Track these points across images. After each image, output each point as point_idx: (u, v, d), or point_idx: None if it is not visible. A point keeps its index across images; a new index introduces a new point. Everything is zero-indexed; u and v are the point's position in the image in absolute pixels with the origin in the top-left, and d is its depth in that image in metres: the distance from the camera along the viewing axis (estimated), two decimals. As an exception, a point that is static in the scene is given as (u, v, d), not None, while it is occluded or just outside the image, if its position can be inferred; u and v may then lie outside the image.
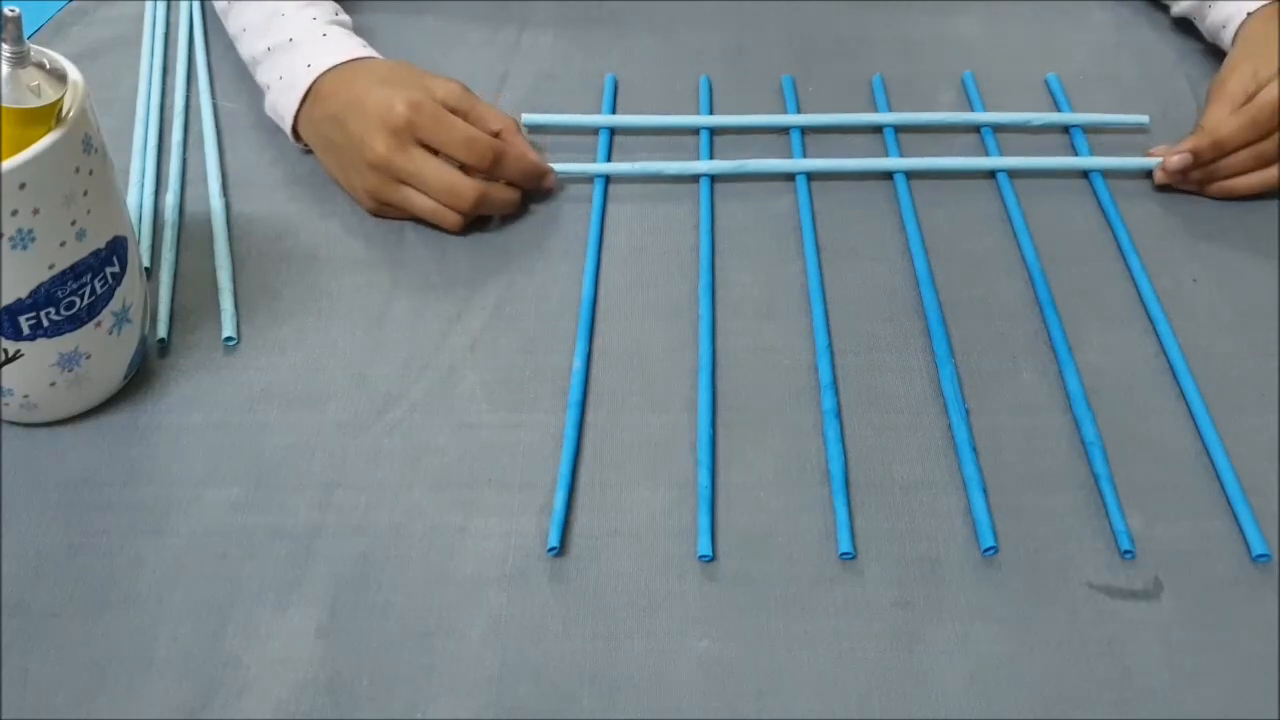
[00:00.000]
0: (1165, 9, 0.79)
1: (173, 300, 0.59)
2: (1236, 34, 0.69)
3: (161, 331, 0.57)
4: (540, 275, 0.61)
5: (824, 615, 0.46)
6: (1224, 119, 0.63)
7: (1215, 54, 0.76)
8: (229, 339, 0.57)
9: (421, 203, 0.61)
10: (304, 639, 0.45)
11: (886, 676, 0.44)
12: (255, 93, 0.73)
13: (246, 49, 0.69)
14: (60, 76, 0.47)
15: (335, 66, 0.63)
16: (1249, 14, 0.68)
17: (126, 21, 0.80)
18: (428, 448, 0.52)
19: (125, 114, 0.71)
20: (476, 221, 0.63)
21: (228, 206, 0.64)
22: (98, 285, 0.49)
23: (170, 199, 0.64)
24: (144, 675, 0.44)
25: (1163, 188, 0.65)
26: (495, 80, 0.74)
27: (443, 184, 0.60)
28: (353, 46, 0.65)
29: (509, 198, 0.63)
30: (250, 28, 0.68)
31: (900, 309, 0.59)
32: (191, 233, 0.63)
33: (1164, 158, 0.64)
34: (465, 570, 0.47)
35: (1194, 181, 0.64)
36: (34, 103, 0.45)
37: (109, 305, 0.50)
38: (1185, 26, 0.78)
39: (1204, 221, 0.64)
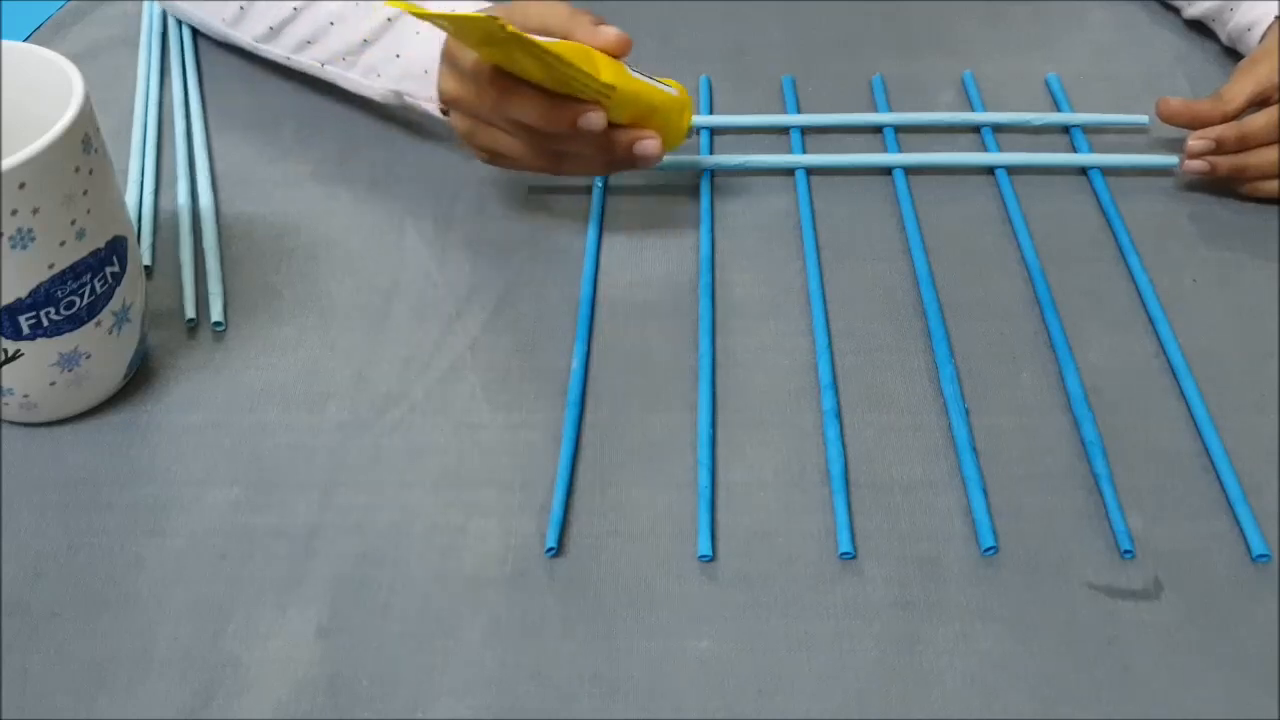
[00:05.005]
0: (1174, 11, 0.79)
1: (196, 291, 0.59)
2: (1267, 31, 0.68)
3: (190, 312, 0.58)
4: (540, 275, 0.61)
5: (824, 615, 0.46)
6: (1256, 115, 0.63)
7: (1216, 55, 0.76)
8: (217, 324, 0.57)
9: (512, 145, 0.59)
10: (304, 639, 0.45)
11: (886, 676, 0.44)
12: (256, 92, 0.73)
13: (337, 42, 0.66)
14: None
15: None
16: None
17: (125, 21, 0.80)
18: (428, 448, 0.52)
19: (124, 114, 0.71)
20: (475, 221, 0.64)
21: (216, 197, 0.65)
22: (98, 285, 0.49)
23: (182, 198, 0.65)
24: (144, 675, 0.44)
25: (1171, 186, 0.65)
26: (495, 80, 0.74)
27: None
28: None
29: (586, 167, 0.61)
30: (339, 19, 0.65)
31: (900, 309, 0.59)
32: (193, 230, 0.63)
33: (1187, 145, 0.63)
34: (465, 570, 0.47)
35: (1223, 172, 0.63)
36: None
37: (109, 305, 0.50)
38: (1185, 27, 0.78)
39: (1204, 221, 0.64)
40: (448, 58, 0.58)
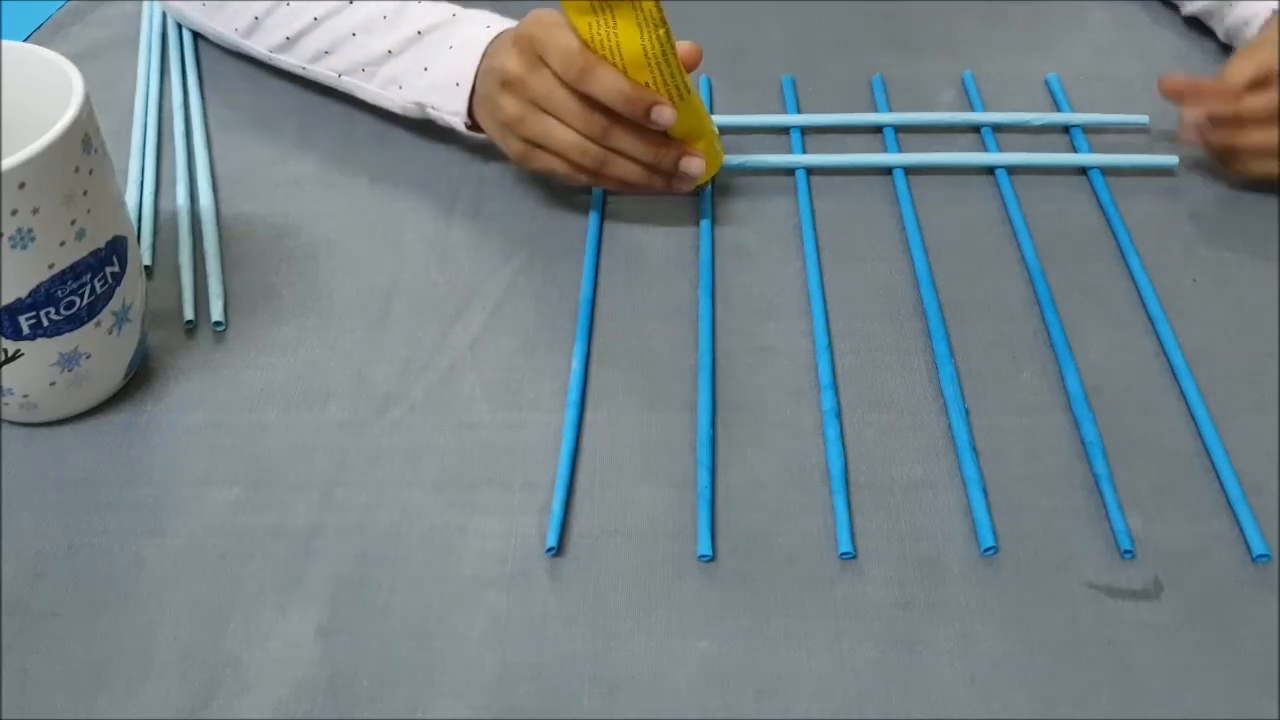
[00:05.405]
0: (1173, 8, 0.79)
1: (195, 292, 0.59)
2: (1264, 25, 0.68)
3: (190, 312, 0.58)
4: (540, 275, 0.61)
5: (824, 615, 0.46)
6: (1255, 95, 0.62)
7: (1215, 54, 0.76)
8: (217, 324, 0.57)
9: (562, 135, 0.59)
10: (304, 639, 0.45)
11: (886, 676, 0.44)
12: (256, 92, 0.73)
13: (359, 53, 0.66)
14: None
15: (511, 29, 0.61)
16: None
17: (125, 21, 0.80)
18: (428, 448, 0.52)
19: (124, 114, 0.71)
20: (475, 221, 0.64)
21: (216, 197, 0.65)
22: (98, 285, 0.49)
23: (181, 198, 0.64)
24: (144, 675, 0.44)
25: (1164, 174, 0.65)
26: (495, 80, 0.74)
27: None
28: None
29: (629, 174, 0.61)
30: (362, 31, 0.65)
31: (900, 309, 0.59)
32: (192, 231, 0.63)
33: (1182, 115, 0.63)
34: (465, 570, 0.47)
35: (1215, 145, 0.63)
36: None
37: (109, 305, 0.50)
38: (1185, 26, 0.78)
39: (1204, 221, 0.64)
40: (519, 41, 0.59)
